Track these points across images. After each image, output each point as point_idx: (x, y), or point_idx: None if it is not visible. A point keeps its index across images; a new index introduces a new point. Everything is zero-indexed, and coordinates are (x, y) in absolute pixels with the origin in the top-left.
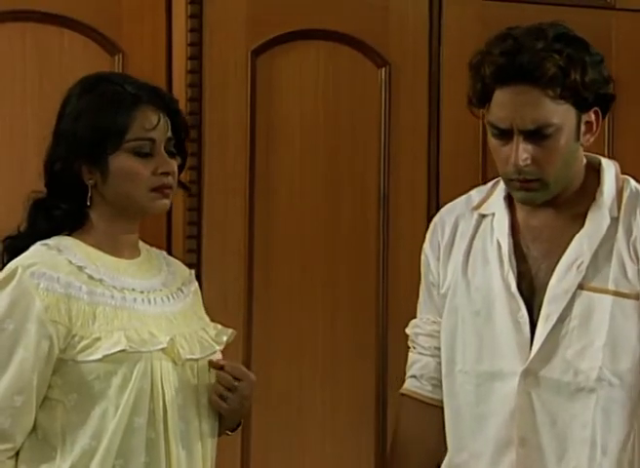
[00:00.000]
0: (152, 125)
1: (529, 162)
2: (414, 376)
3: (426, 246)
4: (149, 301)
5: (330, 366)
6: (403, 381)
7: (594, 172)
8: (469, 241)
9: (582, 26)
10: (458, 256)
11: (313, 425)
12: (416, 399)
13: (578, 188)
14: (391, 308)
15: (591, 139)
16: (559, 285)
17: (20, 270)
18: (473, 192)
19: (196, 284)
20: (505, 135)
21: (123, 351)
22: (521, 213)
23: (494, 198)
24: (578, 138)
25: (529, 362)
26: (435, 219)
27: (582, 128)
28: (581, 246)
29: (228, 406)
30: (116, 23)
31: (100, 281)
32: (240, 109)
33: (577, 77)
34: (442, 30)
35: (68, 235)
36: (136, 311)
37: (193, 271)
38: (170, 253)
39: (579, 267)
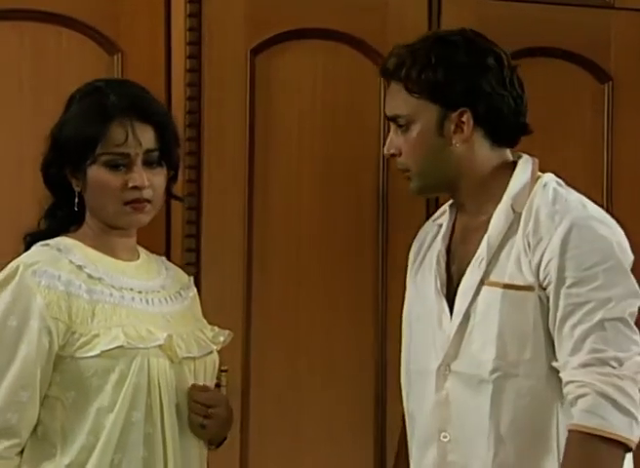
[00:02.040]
0: (121, 140)
1: (392, 151)
2: None
3: None
4: (147, 301)
5: (329, 366)
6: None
7: (509, 171)
8: (425, 250)
9: (581, 26)
10: (414, 266)
11: (312, 425)
12: None
13: (486, 187)
14: (390, 308)
15: (461, 141)
16: (466, 282)
17: (21, 268)
18: (444, 205)
19: (195, 290)
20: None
21: (121, 347)
22: (459, 218)
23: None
24: (441, 135)
25: (442, 357)
26: None
27: (450, 126)
28: (485, 243)
29: (208, 431)
30: (115, 22)
31: (100, 280)
32: (239, 108)
33: (426, 73)
34: (441, 29)
35: (68, 235)
36: (134, 309)
37: (192, 278)
38: (169, 252)
39: (480, 263)
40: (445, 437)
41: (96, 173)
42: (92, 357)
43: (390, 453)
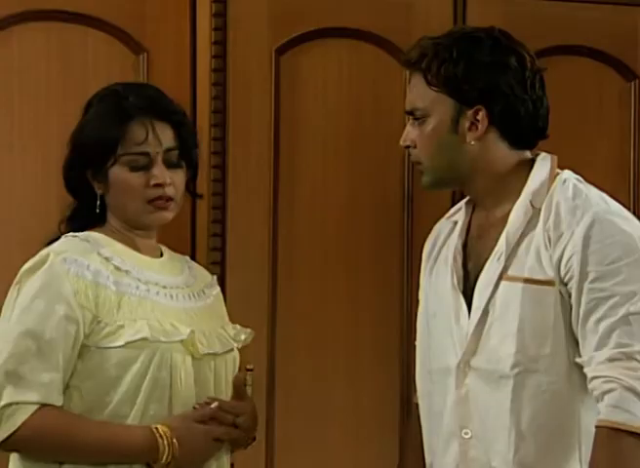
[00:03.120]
0: (141, 139)
1: (407, 143)
2: None
3: None
4: (171, 296)
5: (354, 363)
6: None
7: (528, 169)
8: (440, 247)
9: (607, 23)
10: (429, 263)
11: (337, 424)
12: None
13: (504, 184)
14: (415, 306)
15: (474, 139)
16: (485, 277)
17: (52, 256)
18: (459, 203)
19: (218, 289)
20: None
21: (145, 339)
22: (475, 215)
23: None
24: (455, 131)
25: (462, 354)
26: None
27: (465, 123)
28: (504, 238)
29: (236, 439)
30: (140, 23)
31: (127, 272)
32: (264, 107)
33: (446, 67)
34: None
35: (95, 230)
36: (159, 303)
37: (215, 277)
38: (194, 251)
39: (499, 259)
40: (466, 434)
41: (118, 173)
42: (116, 347)
43: None
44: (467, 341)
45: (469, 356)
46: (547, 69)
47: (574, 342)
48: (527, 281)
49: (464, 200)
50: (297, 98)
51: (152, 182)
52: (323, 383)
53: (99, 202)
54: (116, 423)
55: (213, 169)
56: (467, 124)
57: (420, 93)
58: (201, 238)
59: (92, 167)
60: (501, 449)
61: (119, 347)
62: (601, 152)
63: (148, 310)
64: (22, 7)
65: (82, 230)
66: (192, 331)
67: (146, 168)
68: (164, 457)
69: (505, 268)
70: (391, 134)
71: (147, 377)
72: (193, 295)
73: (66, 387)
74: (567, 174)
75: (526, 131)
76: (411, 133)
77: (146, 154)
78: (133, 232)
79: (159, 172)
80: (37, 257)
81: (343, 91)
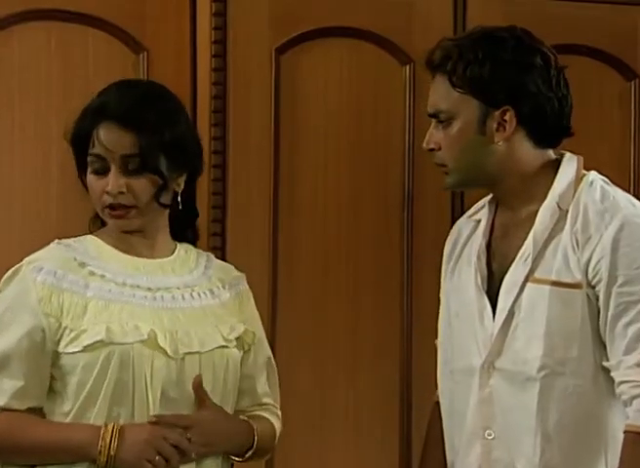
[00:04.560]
0: (99, 142)
1: (431, 145)
2: None
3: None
4: (154, 298)
5: (353, 365)
6: (428, 381)
7: (554, 169)
8: (461, 247)
9: (607, 23)
10: (451, 263)
11: (337, 425)
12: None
13: (531, 185)
14: (415, 305)
15: (502, 139)
16: (511, 278)
17: (24, 265)
18: (480, 201)
19: (242, 288)
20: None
21: (101, 341)
22: (499, 215)
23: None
24: (482, 132)
25: (486, 354)
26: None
27: (492, 124)
28: (530, 240)
29: (195, 453)
30: (141, 22)
31: (102, 276)
32: (264, 107)
33: (472, 69)
34: (467, 27)
35: (95, 233)
36: (132, 305)
37: (244, 274)
38: None
39: (525, 260)
40: (489, 435)
41: (88, 174)
42: (77, 352)
43: (416, 450)
44: (492, 342)
45: (494, 357)
46: (568, 67)
47: (600, 345)
48: (554, 283)
49: (487, 198)
50: (297, 98)
51: (105, 189)
52: (323, 382)
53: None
54: (71, 423)
55: (213, 168)
56: (495, 125)
57: (444, 95)
58: (201, 237)
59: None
60: (527, 452)
61: (80, 352)
62: (601, 152)
63: (115, 313)
64: (23, 6)
65: (96, 224)
66: (152, 331)
67: (106, 173)
68: (101, 457)
69: (532, 270)
70: (392, 132)
71: (107, 379)
72: (192, 296)
73: (53, 393)
74: (593, 175)
75: (552, 129)
76: (435, 135)
77: (101, 158)
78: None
79: (111, 178)
80: (16, 266)
81: (344, 90)
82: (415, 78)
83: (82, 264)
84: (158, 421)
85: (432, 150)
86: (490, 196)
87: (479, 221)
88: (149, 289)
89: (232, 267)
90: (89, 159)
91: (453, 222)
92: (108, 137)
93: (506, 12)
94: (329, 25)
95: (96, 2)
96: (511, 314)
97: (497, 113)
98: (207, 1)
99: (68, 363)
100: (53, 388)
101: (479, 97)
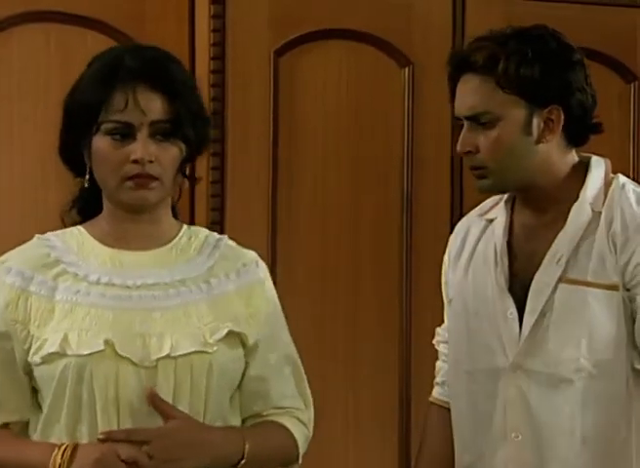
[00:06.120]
0: (121, 106)
1: (467, 148)
2: (437, 384)
3: (445, 255)
4: (130, 297)
5: (352, 367)
6: (426, 382)
7: (583, 171)
8: (474, 245)
9: (607, 25)
10: (462, 261)
11: (337, 425)
12: (440, 406)
13: (562, 186)
14: (415, 307)
15: (551, 139)
16: (541, 279)
17: None
18: (488, 200)
19: (254, 277)
20: (461, 123)
21: (56, 353)
22: (518, 214)
23: (500, 203)
24: (527, 133)
25: (515, 356)
26: (454, 230)
27: (540, 124)
28: (563, 241)
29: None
30: (139, 24)
31: (75, 275)
32: (263, 109)
33: (524, 69)
34: (466, 29)
35: (84, 224)
36: (97, 308)
37: (259, 262)
38: None
39: (558, 261)
40: (517, 436)
41: (98, 142)
42: (39, 364)
43: (415, 451)
44: (520, 343)
45: (522, 358)
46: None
47: (634, 348)
48: (590, 284)
49: (497, 197)
50: (296, 100)
51: (132, 158)
52: (322, 384)
53: (87, 176)
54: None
55: (211, 170)
56: (541, 125)
57: (487, 96)
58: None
59: (79, 134)
60: (559, 455)
61: (41, 364)
62: (601, 153)
63: (79, 319)
64: (22, 8)
65: (85, 212)
66: (106, 342)
67: (128, 140)
68: None
69: (565, 271)
70: (391, 134)
71: (66, 394)
72: (178, 292)
73: (37, 406)
74: (623, 178)
75: (587, 127)
76: (472, 138)
77: (128, 124)
78: (123, 216)
79: (140, 146)
80: None
81: (343, 92)
82: (414, 80)
83: (56, 261)
84: (107, 438)
85: (469, 153)
86: (505, 195)
87: (491, 221)
88: (127, 287)
89: (247, 252)
90: (106, 126)
91: (452, 222)
92: (134, 101)
93: (506, 13)
94: (328, 27)
95: (95, 4)
96: (543, 315)
97: (543, 112)
98: (206, 3)
99: (37, 375)
100: (37, 401)
101: (527, 97)
